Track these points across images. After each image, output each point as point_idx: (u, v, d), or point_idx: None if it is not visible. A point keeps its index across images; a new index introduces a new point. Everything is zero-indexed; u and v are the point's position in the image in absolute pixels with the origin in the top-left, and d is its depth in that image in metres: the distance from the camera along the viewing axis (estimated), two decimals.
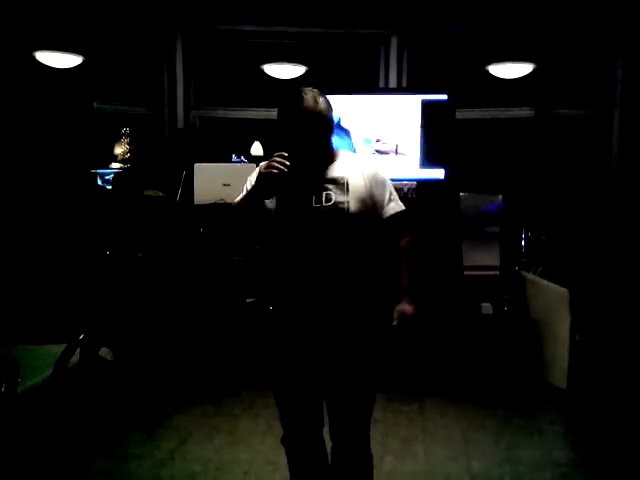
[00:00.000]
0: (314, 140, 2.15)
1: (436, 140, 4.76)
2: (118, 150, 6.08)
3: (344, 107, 4.72)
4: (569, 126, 5.79)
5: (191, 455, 3.36)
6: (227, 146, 6.07)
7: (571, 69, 5.79)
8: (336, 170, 2.19)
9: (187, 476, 3.16)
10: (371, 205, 2.18)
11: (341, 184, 2.16)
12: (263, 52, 5.87)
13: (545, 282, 4.48)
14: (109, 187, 5.15)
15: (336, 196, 2.14)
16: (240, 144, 6.45)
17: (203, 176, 4.59)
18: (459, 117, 5.20)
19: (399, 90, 5.52)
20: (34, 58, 5.35)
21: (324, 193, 2.15)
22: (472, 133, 5.89)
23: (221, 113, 6.11)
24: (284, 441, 2.36)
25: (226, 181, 4.51)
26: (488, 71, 5.62)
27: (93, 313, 3.60)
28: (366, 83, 5.88)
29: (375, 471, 2.36)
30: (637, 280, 4.44)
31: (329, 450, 2.35)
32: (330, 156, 2.23)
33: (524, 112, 5.82)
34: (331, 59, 6.00)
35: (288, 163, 2.05)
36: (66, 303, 3.79)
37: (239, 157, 6.13)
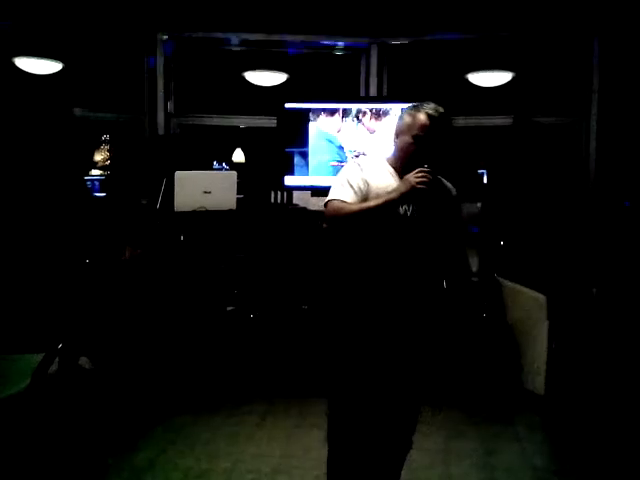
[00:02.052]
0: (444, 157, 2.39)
1: None
2: (98, 157, 6.05)
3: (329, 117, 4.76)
4: (547, 134, 5.86)
5: (171, 464, 3.35)
6: (208, 153, 6.07)
7: (549, 78, 5.86)
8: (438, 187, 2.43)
9: None
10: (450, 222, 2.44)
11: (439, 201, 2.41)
12: (244, 59, 5.88)
13: (523, 288, 4.52)
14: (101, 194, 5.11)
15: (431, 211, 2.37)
16: (221, 151, 6.47)
17: (184, 184, 4.56)
18: None
19: (379, 99, 5.55)
20: (13, 64, 5.32)
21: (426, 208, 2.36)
22: (452, 141, 5.93)
23: (202, 120, 6.10)
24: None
25: (207, 189, 4.51)
26: (468, 79, 5.68)
27: (72, 322, 3.57)
28: (347, 92, 5.91)
29: None
30: (613, 285, 4.50)
31: None
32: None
33: (503, 120, 5.88)
34: (312, 67, 6.02)
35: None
36: (45, 312, 3.76)
37: (220, 164, 6.14)
